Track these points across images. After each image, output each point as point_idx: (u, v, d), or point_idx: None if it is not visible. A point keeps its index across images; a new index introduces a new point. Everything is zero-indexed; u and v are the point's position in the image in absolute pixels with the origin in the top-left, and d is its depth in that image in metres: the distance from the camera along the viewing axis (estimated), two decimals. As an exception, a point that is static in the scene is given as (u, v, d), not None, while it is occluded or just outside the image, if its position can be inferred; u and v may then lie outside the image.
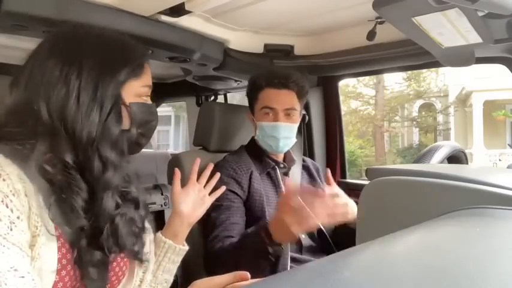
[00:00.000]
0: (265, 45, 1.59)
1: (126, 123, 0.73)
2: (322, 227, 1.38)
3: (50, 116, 0.66)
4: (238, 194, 1.30)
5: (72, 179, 0.65)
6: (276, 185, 1.37)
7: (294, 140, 1.39)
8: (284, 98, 1.34)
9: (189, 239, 1.37)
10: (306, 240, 1.37)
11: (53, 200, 0.63)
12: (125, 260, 0.78)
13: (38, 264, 0.60)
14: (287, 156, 1.44)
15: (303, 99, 1.39)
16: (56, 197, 0.63)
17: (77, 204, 0.64)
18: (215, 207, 1.26)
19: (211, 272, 1.23)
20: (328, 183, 1.22)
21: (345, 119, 7.90)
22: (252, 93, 1.40)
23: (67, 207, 0.64)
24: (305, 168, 1.53)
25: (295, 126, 1.37)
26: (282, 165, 1.41)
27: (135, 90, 0.75)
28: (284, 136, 1.34)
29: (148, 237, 0.85)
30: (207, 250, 1.24)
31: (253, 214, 1.30)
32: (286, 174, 1.43)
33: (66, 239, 0.64)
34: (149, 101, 0.79)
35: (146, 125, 0.78)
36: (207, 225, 1.27)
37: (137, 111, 0.75)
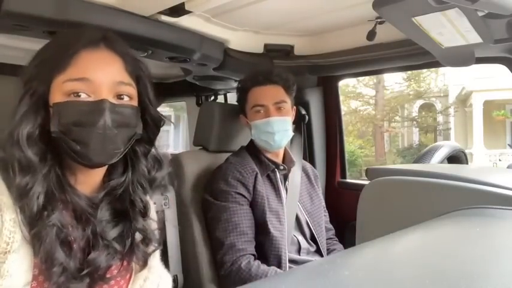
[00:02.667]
0: (265, 45, 1.59)
1: (53, 126, 0.65)
2: (314, 233, 1.39)
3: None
4: (246, 197, 1.31)
5: (69, 186, 0.66)
6: (275, 188, 1.37)
7: (290, 133, 1.39)
8: (271, 93, 1.36)
9: (191, 247, 1.38)
10: (303, 242, 1.38)
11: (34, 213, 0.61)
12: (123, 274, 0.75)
13: (6, 282, 0.57)
14: (286, 157, 1.44)
15: (291, 92, 1.40)
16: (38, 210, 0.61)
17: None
18: (224, 209, 1.27)
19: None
20: None
21: (345, 119, 7.90)
22: (241, 96, 1.43)
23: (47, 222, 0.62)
24: (305, 171, 1.53)
25: (288, 119, 1.38)
26: (281, 167, 1.41)
27: (59, 88, 0.66)
28: (278, 130, 1.34)
29: (154, 273, 0.81)
30: (222, 267, 1.27)
31: (254, 216, 1.30)
32: (286, 176, 1.43)
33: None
34: (97, 97, 0.66)
35: (76, 129, 0.65)
36: (216, 228, 1.29)
37: (60, 112, 0.65)
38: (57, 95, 0.65)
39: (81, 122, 0.65)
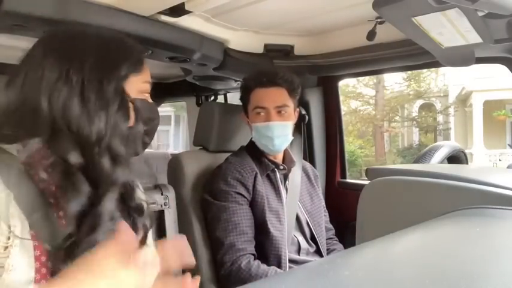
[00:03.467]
0: (265, 45, 1.59)
1: (131, 120, 0.72)
2: (315, 233, 1.39)
3: (51, 115, 0.64)
4: (245, 196, 1.31)
5: (75, 182, 0.63)
6: (275, 188, 1.37)
7: (290, 137, 1.38)
8: (274, 96, 1.34)
9: (191, 247, 1.37)
10: (303, 243, 1.38)
11: (39, 206, 0.61)
12: None
13: (12, 277, 0.58)
14: (286, 157, 1.44)
15: (295, 95, 1.38)
16: (44, 202, 0.61)
17: (72, 210, 0.62)
18: (224, 209, 1.27)
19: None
20: None
21: (345, 119, 7.91)
22: (244, 96, 1.40)
23: (54, 214, 0.61)
24: (305, 171, 1.53)
25: (289, 123, 1.37)
26: (281, 167, 1.40)
27: (137, 86, 0.74)
28: (278, 135, 1.33)
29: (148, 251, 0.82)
30: (222, 267, 1.27)
31: (254, 216, 1.30)
32: (286, 176, 1.43)
33: (44, 247, 0.62)
34: (150, 100, 0.78)
35: (150, 123, 0.77)
36: (215, 227, 1.29)
37: (141, 107, 0.74)
38: (133, 93, 0.73)
39: (151, 118, 0.78)
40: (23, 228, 0.61)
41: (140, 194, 0.82)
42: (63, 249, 0.63)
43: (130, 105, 0.72)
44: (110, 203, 0.66)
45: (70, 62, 0.67)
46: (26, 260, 0.61)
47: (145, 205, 0.78)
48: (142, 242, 0.77)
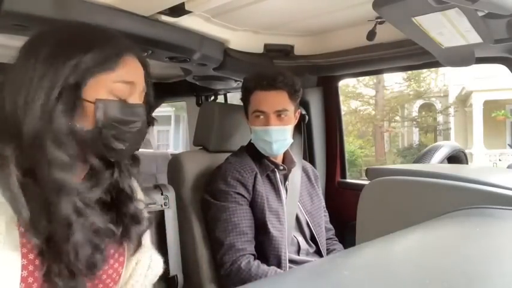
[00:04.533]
0: (265, 45, 1.59)
1: (89, 122, 0.65)
2: (315, 234, 1.39)
3: (5, 112, 0.61)
4: (245, 197, 1.30)
5: (24, 182, 0.59)
6: (275, 188, 1.37)
7: (289, 141, 1.37)
8: (273, 100, 1.31)
9: (191, 247, 1.38)
10: (303, 243, 1.38)
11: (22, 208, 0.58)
12: (115, 266, 0.75)
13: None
14: (287, 158, 1.43)
15: (295, 98, 1.36)
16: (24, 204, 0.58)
17: (34, 211, 0.59)
18: (224, 209, 1.27)
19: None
20: None
21: (345, 119, 7.90)
22: (245, 97, 1.39)
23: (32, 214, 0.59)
24: (305, 171, 1.53)
25: (289, 127, 1.35)
26: (281, 168, 1.40)
27: (107, 86, 0.66)
28: (276, 139, 1.32)
29: (145, 254, 0.80)
30: (222, 267, 1.27)
31: (254, 216, 1.30)
32: (286, 176, 1.42)
33: (34, 253, 0.60)
34: (133, 100, 0.70)
35: (119, 127, 0.67)
36: (215, 228, 1.29)
37: (105, 109, 0.65)
38: (100, 92, 0.66)
39: (124, 121, 0.68)
40: (10, 235, 0.59)
41: (140, 195, 0.81)
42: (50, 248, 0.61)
43: (88, 105, 0.65)
44: (62, 207, 0.61)
45: (30, 53, 0.64)
46: (9, 268, 0.58)
47: (142, 212, 0.75)
48: (136, 248, 0.77)
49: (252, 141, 1.41)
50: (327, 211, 1.57)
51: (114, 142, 0.67)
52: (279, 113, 1.32)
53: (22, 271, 0.60)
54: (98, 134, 0.66)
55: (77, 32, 0.70)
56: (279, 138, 1.33)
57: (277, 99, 1.32)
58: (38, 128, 0.60)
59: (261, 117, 1.33)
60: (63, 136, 0.62)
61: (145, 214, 0.79)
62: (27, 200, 0.59)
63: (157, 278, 0.84)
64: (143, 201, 0.80)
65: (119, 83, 0.68)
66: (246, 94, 1.38)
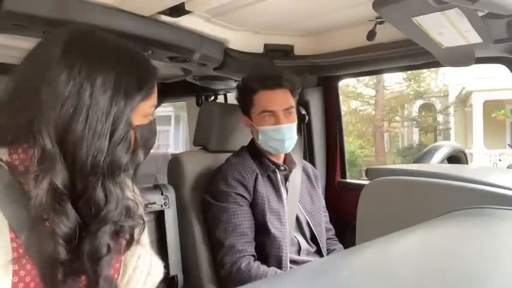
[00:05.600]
0: (265, 45, 1.59)
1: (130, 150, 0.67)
2: (315, 234, 1.39)
3: (48, 134, 0.57)
4: (246, 197, 1.30)
5: (60, 205, 0.57)
6: (276, 188, 1.37)
7: (296, 138, 1.39)
8: (281, 98, 1.33)
9: (191, 248, 1.38)
10: (303, 243, 1.38)
11: (30, 221, 0.56)
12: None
13: None
14: (287, 158, 1.43)
15: (296, 94, 1.39)
16: (36, 216, 0.56)
17: (59, 231, 0.56)
18: (224, 210, 1.27)
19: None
20: None
21: (345, 119, 7.90)
22: (245, 97, 1.37)
23: (45, 231, 0.56)
24: (305, 171, 1.53)
25: (295, 124, 1.37)
26: (282, 168, 1.40)
27: (144, 111, 0.69)
28: (289, 137, 1.34)
29: (144, 260, 0.79)
30: (222, 268, 1.27)
31: (255, 216, 1.30)
32: (287, 177, 1.42)
33: (35, 268, 0.58)
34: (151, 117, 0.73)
35: (148, 145, 0.72)
36: (216, 228, 1.29)
37: (143, 133, 0.69)
38: (138, 118, 0.67)
39: (152, 139, 0.73)
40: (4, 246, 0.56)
41: (137, 196, 0.80)
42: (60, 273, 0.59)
43: (132, 133, 0.65)
44: (102, 241, 0.60)
45: (85, 77, 0.60)
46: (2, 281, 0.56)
47: (135, 207, 0.73)
48: (129, 244, 0.74)
49: (254, 141, 1.41)
50: (327, 211, 1.57)
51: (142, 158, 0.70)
52: (287, 111, 1.34)
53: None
54: (134, 159, 0.67)
55: (130, 63, 0.67)
56: (290, 136, 1.34)
57: (284, 98, 1.34)
58: (101, 162, 0.60)
59: (271, 117, 1.33)
60: (123, 170, 0.64)
61: (141, 211, 0.78)
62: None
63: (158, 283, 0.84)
64: (138, 194, 0.79)
65: (153, 108, 0.71)
66: (248, 95, 1.36)
